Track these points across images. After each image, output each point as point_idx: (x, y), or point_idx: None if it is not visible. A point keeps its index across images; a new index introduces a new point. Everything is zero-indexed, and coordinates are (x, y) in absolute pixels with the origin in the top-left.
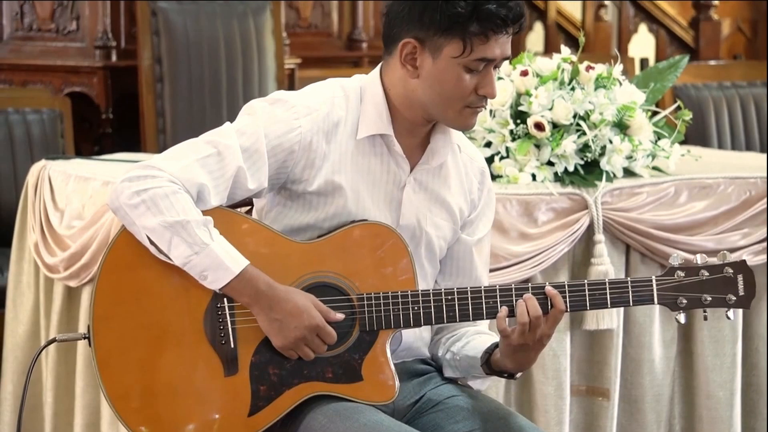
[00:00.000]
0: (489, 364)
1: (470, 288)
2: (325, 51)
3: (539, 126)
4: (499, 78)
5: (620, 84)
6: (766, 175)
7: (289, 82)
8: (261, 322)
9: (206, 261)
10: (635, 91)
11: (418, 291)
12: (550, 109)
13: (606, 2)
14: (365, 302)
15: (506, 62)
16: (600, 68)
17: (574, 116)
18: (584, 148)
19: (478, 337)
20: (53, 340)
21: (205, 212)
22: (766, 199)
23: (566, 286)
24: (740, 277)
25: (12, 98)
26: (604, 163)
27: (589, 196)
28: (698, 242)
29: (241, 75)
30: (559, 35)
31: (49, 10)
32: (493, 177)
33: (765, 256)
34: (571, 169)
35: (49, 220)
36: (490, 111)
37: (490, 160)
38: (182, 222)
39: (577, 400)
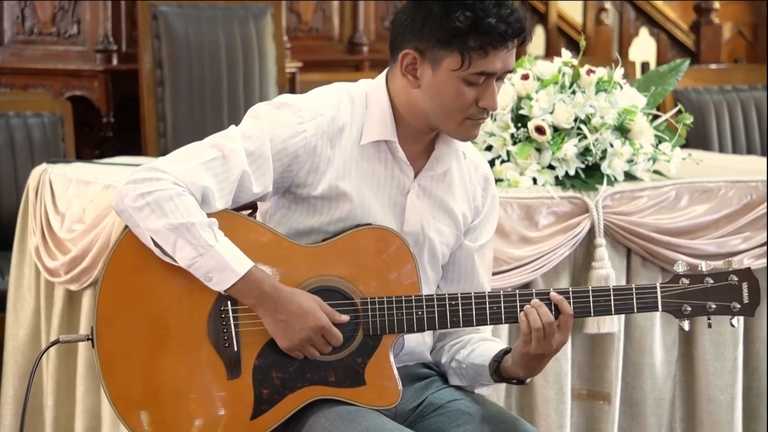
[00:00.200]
0: (499, 372)
1: (474, 293)
2: (326, 55)
3: (540, 129)
4: None
5: (621, 88)
6: (766, 178)
7: (290, 86)
8: (266, 323)
9: (211, 263)
10: (636, 95)
11: (422, 296)
12: (551, 112)
13: (607, 6)
14: (369, 306)
15: None
16: (601, 72)
17: (575, 120)
18: (585, 151)
19: (483, 344)
20: (57, 341)
21: (209, 215)
22: (766, 203)
23: (570, 293)
24: (745, 285)
25: (13, 102)
26: (604, 167)
27: (589, 199)
28: (699, 246)
29: (242, 79)
30: (560, 39)
31: (50, 13)
32: (494, 181)
33: (765, 260)
34: (572, 172)
35: (50, 223)
36: (491, 114)
37: (491, 164)
38: (187, 224)
39: (578, 404)
